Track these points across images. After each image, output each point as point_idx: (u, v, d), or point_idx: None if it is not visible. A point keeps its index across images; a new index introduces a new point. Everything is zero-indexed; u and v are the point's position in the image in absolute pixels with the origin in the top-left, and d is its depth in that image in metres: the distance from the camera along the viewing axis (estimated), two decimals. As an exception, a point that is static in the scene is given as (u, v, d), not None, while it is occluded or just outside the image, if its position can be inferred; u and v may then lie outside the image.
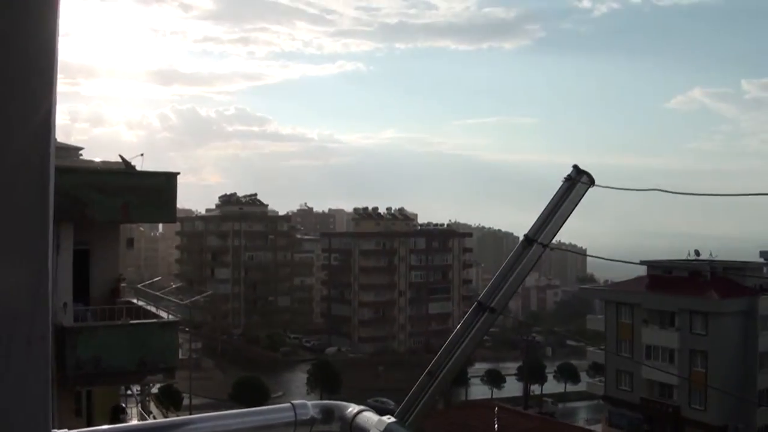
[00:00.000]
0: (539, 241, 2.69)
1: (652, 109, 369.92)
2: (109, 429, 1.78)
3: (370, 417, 1.85)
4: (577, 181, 2.98)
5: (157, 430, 1.84)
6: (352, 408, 1.93)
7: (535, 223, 2.80)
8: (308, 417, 1.92)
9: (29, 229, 1.39)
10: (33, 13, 1.38)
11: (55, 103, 1.72)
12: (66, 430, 1.69)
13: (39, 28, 1.41)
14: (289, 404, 1.94)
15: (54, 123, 1.48)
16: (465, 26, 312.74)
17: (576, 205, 2.96)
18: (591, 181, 3.01)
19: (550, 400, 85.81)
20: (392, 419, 1.77)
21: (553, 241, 3.03)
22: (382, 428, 1.74)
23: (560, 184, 3.37)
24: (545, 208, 2.83)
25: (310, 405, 1.94)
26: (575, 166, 3.10)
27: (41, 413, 1.48)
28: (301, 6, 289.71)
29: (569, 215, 2.94)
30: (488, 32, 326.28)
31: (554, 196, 2.92)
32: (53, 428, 1.71)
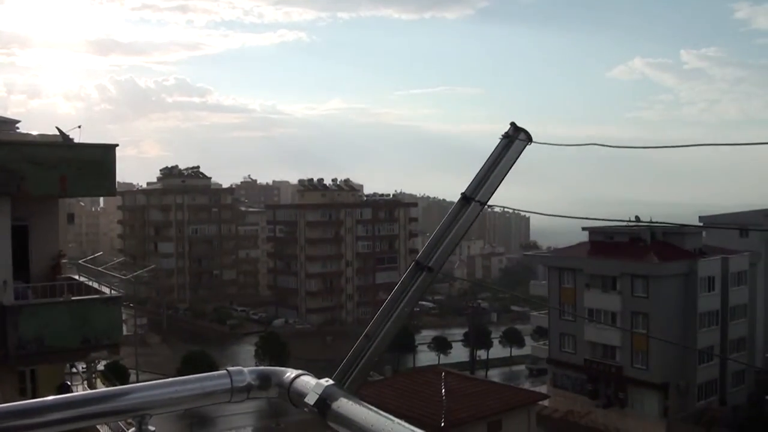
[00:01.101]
0: (477, 199, 2.69)
1: (594, 78, 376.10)
2: (41, 402, 1.74)
3: (308, 381, 1.85)
4: (515, 138, 2.98)
5: (96, 400, 1.81)
6: (290, 373, 1.93)
7: (472, 181, 2.80)
8: (245, 384, 1.91)
9: None
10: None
11: None
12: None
13: None
14: (225, 371, 1.92)
15: None
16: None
17: (514, 163, 2.98)
18: (528, 138, 3.01)
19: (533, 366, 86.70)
20: (330, 382, 1.77)
21: (492, 200, 3.04)
22: (320, 391, 1.74)
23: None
24: (483, 166, 2.83)
25: (246, 371, 1.93)
26: (512, 124, 3.10)
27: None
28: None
29: (507, 173, 2.95)
30: (431, 1, 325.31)
31: (492, 153, 2.92)
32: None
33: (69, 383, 21.57)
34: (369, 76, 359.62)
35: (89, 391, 1.78)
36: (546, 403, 54.67)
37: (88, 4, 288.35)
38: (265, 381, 1.92)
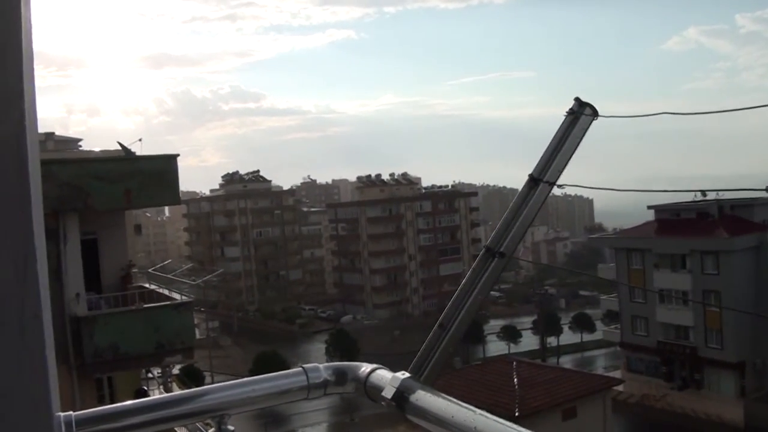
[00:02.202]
0: (545, 179, 2.59)
1: (648, 52, 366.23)
2: (120, 407, 1.76)
3: (384, 375, 1.81)
4: (581, 114, 2.85)
5: (175, 402, 1.81)
6: (365, 367, 1.90)
7: (539, 162, 2.69)
8: (321, 380, 1.89)
9: (9, 214, 1.38)
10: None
11: (31, 93, 1.67)
12: (71, 412, 1.66)
13: (3, 14, 1.36)
14: (300, 368, 1.91)
15: (27, 110, 1.45)
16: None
17: (581, 140, 2.85)
18: (594, 113, 2.86)
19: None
20: (406, 375, 1.73)
21: (560, 180, 2.92)
22: (396, 384, 1.70)
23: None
24: (549, 145, 2.72)
25: (322, 367, 1.91)
26: (577, 99, 2.97)
27: (42, 395, 1.44)
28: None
29: (575, 150, 2.82)
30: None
31: (557, 131, 2.80)
32: (59, 411, 1.68)
33: (146, 388, 22.17)
34: (420, 69, 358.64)
35: (168, 394, 1.79)
36: (620, 388, 53.69)
37: (140, 21, 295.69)
38: (340, 376, 1.90)
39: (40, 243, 1.65)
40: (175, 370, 46.88)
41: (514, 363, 39.99)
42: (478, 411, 1.47)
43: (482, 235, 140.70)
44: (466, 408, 1.50)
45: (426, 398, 1.61)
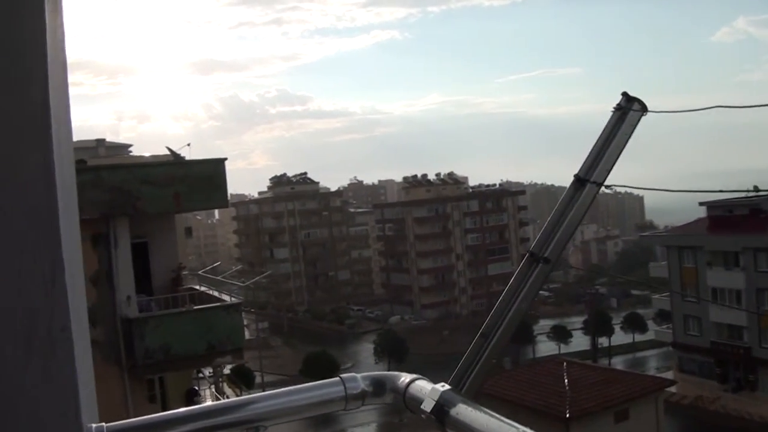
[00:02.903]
0: (592, 179, 2.46)
1: (696, 45, 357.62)
2: (153, 418, 1.72)
3: (423, 386, 1.74)
4: (629, 110, 2.70)
5: (212, 413, 1.77)
6: (404, 377, 1.83)
7: (585, 161, 2.55)
8: (359, 390, 1.83)
9: (36, 225, 1.36)
10: (19, 10, 1.35)
11: (61, 102, 1.65)
12: (104, 423, 1.63)
13: (25, 24, 1.35)
14: (338, 378, 1.85)
15: (56, 118, 1.43)
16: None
17: (629, 137, 2.69)
18: (643, 108, 2.71)
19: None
20: (447, 387, 1.66)
21: (608, 179, 2.77)
22: (436, 397, 1.63)
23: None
24: (596, 143, 2.58)
25: (359, 377, 1.85)
26: (624, 94, 2.82)
27: (71, 406, 1.42)
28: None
29: (623, 148, 2.67)
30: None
31: (604, 128, 2.66)
32: (93, 422, 1.65)
33: (197, 388, 22.46)
34: (465, 67, 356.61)
35: (205, 404, 1.75)
36: (673, 389, 52.52)
37: (187, 28, 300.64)
38: (379, 387, 1.83)
39: (71, 253, 1.63)
40: (226, 370, 47.47)
41: (565, 364, 39.41)
42: (521, 427, 1.39)
43: (531, 234, 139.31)
44: (508, 424, 1.42)
45: (467, 412, 1.53)
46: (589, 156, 2.68)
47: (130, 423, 1.71)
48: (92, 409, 1.80)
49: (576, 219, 2.55)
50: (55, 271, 1.40)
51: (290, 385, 1.85)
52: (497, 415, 1.45)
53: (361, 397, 1.82)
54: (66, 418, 1.44)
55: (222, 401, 1.78)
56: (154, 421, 1.71)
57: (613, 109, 2.82)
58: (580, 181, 2.65)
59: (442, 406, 1.59)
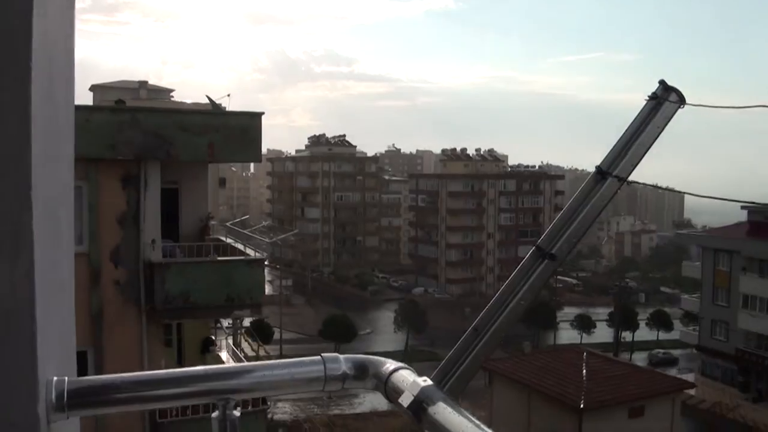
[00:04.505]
0: (615, 173, 2.29)
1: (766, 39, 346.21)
2: (119, 378, 1.64)
3: (406, 377, 1.64)
4: (664, 100, 2.49)
5: (175, 380, 1.69)
6: (389, 365, 1.72)
7: (610, 152, 2.37)
8: (340, 372, 1.73)
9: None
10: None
11: (55, 32, 1.55)
12: (65, 377, 1.55)
13: None
14: (319, 357, 1.75)
15: (39, 49, 1.33)
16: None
17: (662, 130, 2.49)
18: (681, 100, 2.49)
19: (660, 351, 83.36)
20: (429, 382, 1.55)
21: (634, 174, 2.59)
22: (415, 392, 1.52)
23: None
24: (623, 134, 2.38)
25: (342, 359, 1.75)
26: (662, 82, 2.61)
27: (27, 360, 1.36)
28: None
29: (653, 142, 2.47)
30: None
31: (635, 118, 2.46)
32: (59, 375, 1.58)
33: (213, 338, 22.76)
34: (518, 43, 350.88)
35: (171, 370, 1.66)
36: (692, 392, 51.95)
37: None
38: (361, 371, 1.73)
39: (52, 210, 1.54)
40: (246, 323, 48.10)
41: (585, 354, 39.21)
42: (500, 437, 1.28)
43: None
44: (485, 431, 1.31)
45: (445, 413, 1.42)
46: (614, 147, 2.50)
47: (95, 380, 1.63)
48: (64, 363, 1.73)
49: (592, 215, 2.38)
50: (19, 231, 1.33)
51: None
52: (476, 421, 1.35)
53: (341, 379, 1.72)
54: (21, 370, 1.38)
55: (192, 368, 1.70)
56: (119, 381, 1.63)
57: (647, 98, 2.61)
58: (601, 173, 2.48)
59: (420, 403, 1.48)
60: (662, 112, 2.45)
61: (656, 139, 2.54)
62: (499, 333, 1.99)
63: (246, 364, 1.78)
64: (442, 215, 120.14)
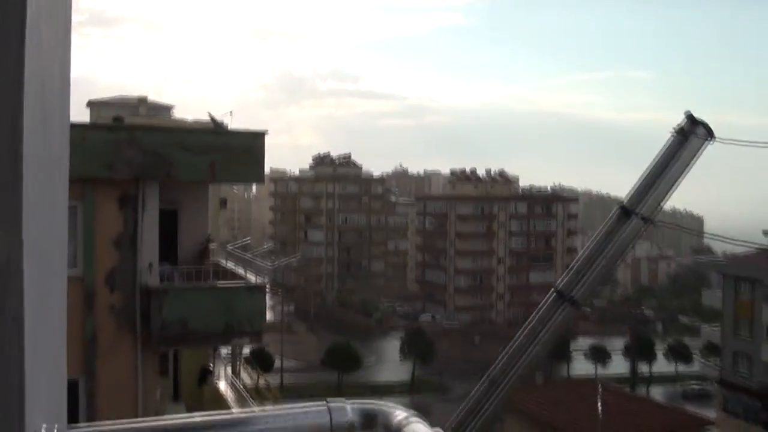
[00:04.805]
0: (640, 213, 2.23)
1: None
2: (115, 424, 1.60)
3: (419, 430, 1.58)
4: (692, 134, 2.42)
5: (176, 429, 1.64)
6: (399, 415, 1.68)
7: (635, 189, 2.30)
8: (346, 421, 1.68)
9: None
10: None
11: (51, 48, 1.52)
12: (55, 424, 1.51)
13: None
14: (323, 403, 1.70)
15: (31, 64, 1.30)
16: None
17: (689, 167, 2.42)
18: (709, 134, 2.41)
19: (695, 383, 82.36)
20: (444, 435, 1.51)
21: (660, 210, 2.51)
22: (428, 450, 1.47)
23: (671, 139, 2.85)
24: (649, 170, 2.31)
25: (348, 407, 1.70)
26: (689, 115, 2.55)
27: (14, 405, 1.31)
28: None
29: (681, 179, 2.37)
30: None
31: (661, 153, 2.37)
32: (50, 422, 1.53)
33: (211, 367, 22.65)
34: (529, 60, 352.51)
35: (170, 418, 1.62)
36: (713, 429, 51.39)
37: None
38: (369, 421, 1.69)
39: (44, 234, 1.50)
40: (245, 351, 47.91)
41: (600, 387, 38.89)
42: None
43: (579, 245, 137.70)
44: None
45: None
46: (639, 185, 2.43)
47: (88, 427, 1.59)
48: (55, 409, 1.68)
49: (615, 257, 2.33)
50: (11, 254, 1.29)
51: (276, 404, 1.72)
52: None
53: (348, 429, 1.68)
54: (7, 416, 1.34)
55: (193, 416, 1.65)
56: (116, 428, 1.59)
57: (672, 131, 2.55)
58: (625, 212, 2.40)
59: (435, 461, 1.44)
60: (689, 148, 2.39)
61: (683, 176, 2.45)
62: (518, 381, 1.93)
63: (246, 412, 1.74)
64: (450, 239, 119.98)
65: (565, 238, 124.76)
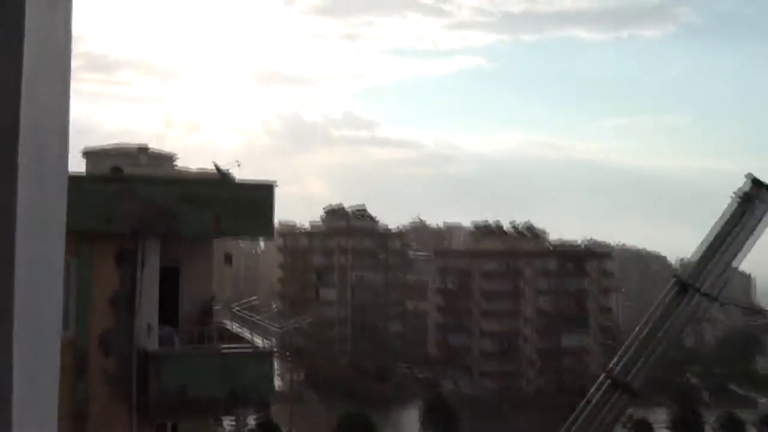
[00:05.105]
0: (702, 289, 2.03)
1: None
2: None
3: None
4: (757, 199, 2.23)
5: None
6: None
7: (694, 262, 2.13)
8: None
9: None
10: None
11: (49, 91, 1.51)
12: None
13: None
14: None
15: (27, 112, 1.29)
16: (600, 12, 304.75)
17: (756, 236, 2.22)
18: None
19: None
20: None
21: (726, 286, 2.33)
22: None
23: (728, 200, 2.75)
24: (709, 241, 2.11)
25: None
26: (752, 179, 2.35)
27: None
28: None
29: (747, 250, 2.18)
30: (628, 18, 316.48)
31: (722, 221, 2.19)
32: None
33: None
34: (556, 106, 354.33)
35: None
36: None
37: (252, 34, 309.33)
38: None
39: (35, 288, 1.46)
40: (251, 421, 47.50)
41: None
42: None
43: (614, 304, 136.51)
44: None
45: None
46: (699, 256, 2.25)
47: None
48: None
49: (673, 337, 2.14)
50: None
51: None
52: None
53: None
54: None
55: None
56: None
57: (735, 197, 2.36)
58: (682, 286, 2.21)
59: None
60: (755, 214, 2.18)
61: (751, 247, 2.27)
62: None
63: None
64: (474, 298, 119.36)
65: (600, 297, 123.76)
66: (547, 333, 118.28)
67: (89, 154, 49.89)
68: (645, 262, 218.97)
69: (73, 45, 1.76)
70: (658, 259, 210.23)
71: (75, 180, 15.04)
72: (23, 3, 1.28)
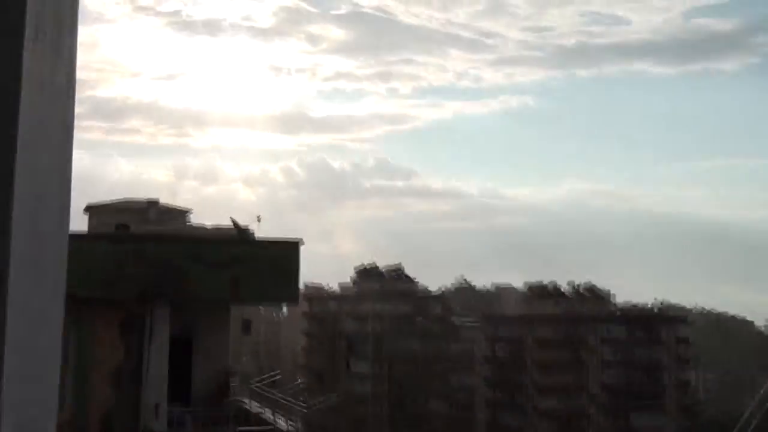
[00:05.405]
0: None
1: None
2: None
3: None
4: None
5: None
6: None
7: None
8: None
9: None
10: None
11: (49, 139, 1.52)
12: None
13: None
14: None
15: (23, 163, 1.28)
16: (668, 43, 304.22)
17: None
18: None
19: None
20: None
21: None
22: None
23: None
24: None
25: None
26: None
27: None
28: (454, 30, 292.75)
29: None
30: (700, 50, 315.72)
31: None
32: None
33: None
34: (617, 150, 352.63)
35: None
36: None
37: (274, 77, 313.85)
38: None
39: (29, 362, 1.46)
40: None
41: None
42: None
43: (694, 378, 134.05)
44: None
45: None
46: None
47: None
48: None
49: None
50: None
51: None
52: None
53: None
54: None
55: None
56: None
57: None
58: None
59: None
60: None
61: None
62: None
63: None
64: (528, 370, 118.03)
65: (676, 369, 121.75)
66: (615, 412, 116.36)
67: (92, 210, 50.38)
68: (728, 327, 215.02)
69: (76, 90, 1.77)
70: (744, 324, 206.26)
71: (76, 239, 15.20)
72: (21, 47, 1.29)
